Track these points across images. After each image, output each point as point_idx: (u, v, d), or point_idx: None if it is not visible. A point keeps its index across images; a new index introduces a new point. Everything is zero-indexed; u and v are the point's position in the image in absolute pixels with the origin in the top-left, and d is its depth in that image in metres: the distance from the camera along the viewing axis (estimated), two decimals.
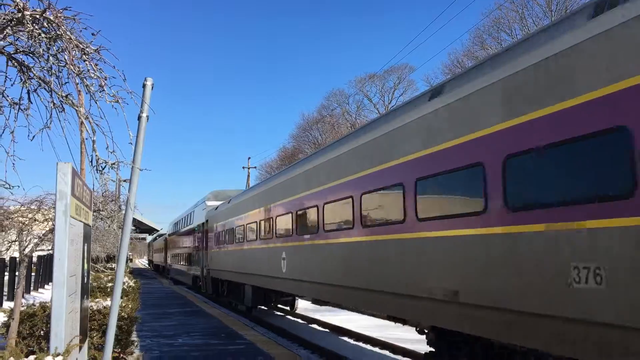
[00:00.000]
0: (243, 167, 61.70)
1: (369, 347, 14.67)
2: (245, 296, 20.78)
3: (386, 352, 13.77)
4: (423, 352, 8.61)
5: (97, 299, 11.27)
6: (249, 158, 73.39)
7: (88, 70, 4.11)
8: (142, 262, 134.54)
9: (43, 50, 4.08)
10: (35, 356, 5.06)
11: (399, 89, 64.80)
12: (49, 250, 12.52)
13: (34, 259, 22.97)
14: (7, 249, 10.29)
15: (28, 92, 4.54)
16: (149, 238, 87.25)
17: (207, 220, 28.12)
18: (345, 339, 16.15)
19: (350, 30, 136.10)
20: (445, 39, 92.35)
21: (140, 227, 65.95)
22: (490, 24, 44.68)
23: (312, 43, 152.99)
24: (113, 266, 28.13)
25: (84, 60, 4.08)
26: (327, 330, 18.07)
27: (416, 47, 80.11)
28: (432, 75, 65.11)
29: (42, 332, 9.39)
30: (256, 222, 17.95)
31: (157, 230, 74.32)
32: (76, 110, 4.33)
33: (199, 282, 30.49)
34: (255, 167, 64.66)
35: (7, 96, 4.57)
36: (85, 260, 7.58)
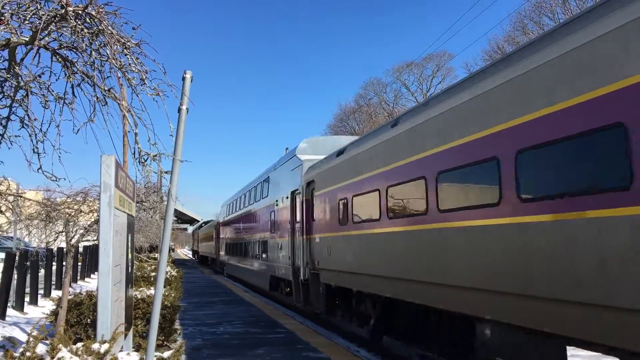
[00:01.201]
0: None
1: None
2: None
3: None
4: None
5: (140, 288, 11.55)
6: (287, 149, 73.24)
7: (129, 64, 4.19)
8: (183, 252, 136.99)
9: (86, 45, 4.17)
10: (82, 343, 5.21)
11: (437, 76, 63.94)
12: (94, 240, 12.85)
13: (80, 249, 23.61)
14: (55, 240, 10.58)
15: (72, 87, 4.66)
16: (191, 228, 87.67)
17: (307, 185, 16.24)
18: None
19: (388, 18, 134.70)
20: (485, 24, 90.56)
21: (182, 218, 66.68)
22: (531, 8, 43.60)
23: (350, 32, 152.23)
24: (156, 256, 28.73)
25: (125, 55, 4.16)
26: None
27: (455, 34, 78.87)
28: (471, 62, 64.13)
29: (89, 320, 9.68)
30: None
31: (198, 221, 73.58)
32: (118, 104, 4.42)
33: (284, 288, 19.64)
34: None
35: (52, 91, 4.70)
36: (129, 250, 7.77)
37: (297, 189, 17.29)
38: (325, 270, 14.34)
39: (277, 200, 20.22)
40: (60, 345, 5.09)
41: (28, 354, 4.96)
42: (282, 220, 19.36)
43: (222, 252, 40.92)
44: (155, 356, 4.97)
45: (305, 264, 15.86)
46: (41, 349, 5.13)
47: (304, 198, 16.25)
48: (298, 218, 16.79)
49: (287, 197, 18.18)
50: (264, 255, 23.06)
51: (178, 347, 5.48)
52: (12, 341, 5.73)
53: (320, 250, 14.59)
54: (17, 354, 4.97)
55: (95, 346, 5.19)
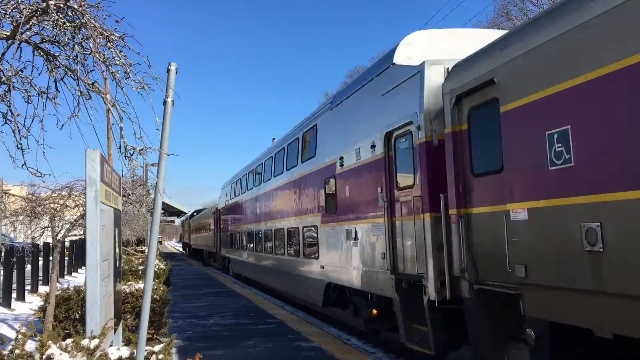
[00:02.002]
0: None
1: None
2: None
3: None
4: None
5: (129, 282, 11.51)
6: (273, 139, 72.22)
7: (113, 57, 4.13)
8: (171, 245, 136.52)
9: (68, 39, 4.10)
10: (72, 339, 5.18)
11: None
12: (80, 235, 12.77)
13: (67, 244, 23.45)
14: (41, 235, 10.52)
15: (55, 81, 4.58)
16: (178, 221, 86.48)
17: (455, 103, 7.96)
18: None
19: (372, 6, 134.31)
20: (470, 10, 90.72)
21: (169, 211, 66.12)
22: None
23: (334, 21, 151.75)
24: (143, 249, 28.61)
25: (109, 48, 4.10)
26: None
27: (439, 21, 78.81)
28: None
29: (77, 315, 9.65)
30: None
31: (185, 213, 72.79)
32: (103, 98, 4.36)
33: (363, 308, 11.85)
34: None
35: (35, 85, 4.62)
36: (117, 245, 7.72)
37: (403, 126, 9.43)
38: (535, 289, 6.23)
39: (340, 159, 12.37)
40: (50, 342, 5.05)
41: (17, 351, 4.92)
42: (357, 190, 11.56)
43: (226, 246, 31.92)
44: (146, 350, 4.95)
45: (463, 270, 7.61)
46: (30, 346, 5.09)
47: (435, 135, 8.62)
48: (416, 180, 9.02)
49: (370, 147, 10.60)
50: (308, 251, 14.93)
51: (169, 341, 5.47)
52: (0, 339, 5.68)
53: (528, 241, 6.32)
54: (5, 352, 4.93)
55: (85, 342, 5.16)
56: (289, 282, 17.26)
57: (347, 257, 11.85)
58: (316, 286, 13.95)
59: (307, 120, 16.25)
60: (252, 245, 23.61)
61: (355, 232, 11.36)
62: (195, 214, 63.44)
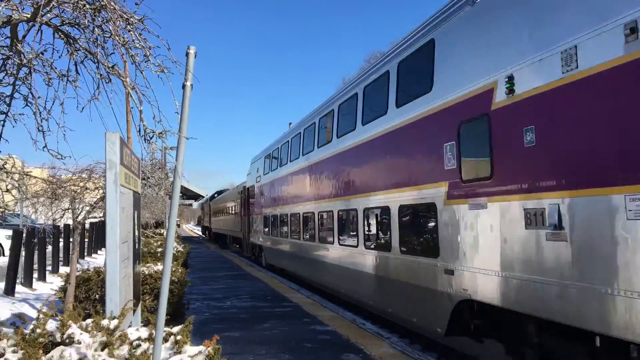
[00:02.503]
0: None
1: None
2: None
3: None
4: None
5: (148, 264, 11.65)
6: (290, 124, 71.05)
7: (133, 40, 4.14)
8: (189, 228, 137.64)
9: (88, 21, 4.12)
10: (92, 320, 5.26)
11: None
12: (100, 217, 12.91)
13: (87, 226, 23.75)
14: (61, 217, 10.64)
15: (75, 64, 4.61)
16: (196, 204, 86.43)
17: None
18: None
19: None
20: None
21: (187, 194, 66.54)
22: None
23: (352, 5, 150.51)
24: (162, 232, 28.91)
25: (129, 31, 4.11)
26: None
27: None
28: None
29: (97, 295, 9.78)
30: None
31: (203, 197, 72.71)
32: (122, 81, 4.38)
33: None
34: None
35: (56, 68, 4.66)
36: (136, 227, 7.80)
37: None
38: None
39: (508, 81, 7.20)
40: (70, 321, 5.14)
41: (39, 330, 5.01)
42: (563, 132, 6.22)
43: (258, 231, 25.99)
44: (165, 331, 5.01)
45: None
46: (51, 325, 5.18)
47: None
48: None
49: (624, 34, 5.39)
50: (414, 245, 10.08)
51: (187, 322, 5.53)
52: (22, 318, 5.80)
53: None
54: (27, 331, 5.02)
55: (105, 322, 5.25)
56: (369, 288, 11.91)
57: (526, 261, 6.74)
58: (436, 303, 8.97)
59: (405, 42, 10.69)
60: (300, 232, 18.08)
61: (559, 214, 6.17)
62: (216, 195, 59.48)
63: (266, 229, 24.04)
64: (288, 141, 20.48)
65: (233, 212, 38.74)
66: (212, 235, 57.34)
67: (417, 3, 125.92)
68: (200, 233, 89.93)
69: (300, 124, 19.37)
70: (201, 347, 5.01)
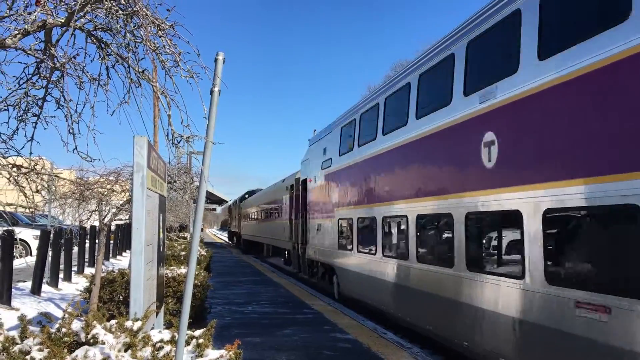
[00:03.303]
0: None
1: None
2: None
3: None
4: None
5: (171, 267, 11.74)
6: (315, 131, 69.91)
7: (163, 46, 4.21)
8: (212, 232, 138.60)
9: (120, 27, 4.20)
10: (116, 321, 5.32)
11: None
12: (126, 219, 13.08)
13: (113, 228, 24.07)
14: (88, 219, 10.80)
15: (107, 68, 4.70)
16: (219, 209, 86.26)
17: None
18: None
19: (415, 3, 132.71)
20: None
21: (210, 199, 66.93)
22: None
23: (377, 15, 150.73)
24: (185, 235, 29.14)
25: (160, 36, 4.18)
26: None
27: None
28: None
29: (120, 297, 9.89)
30: None
31: (226, 201, 72.47)
32: (152, 86, 4.45)
33: None
34: None
35: (87, 72, 4.75)
36: (161, 230, 7.88)
37: None
38: None
39: None
40: (95, 322, 5.20)
41: (64, 330, 5.08)
42: None
43: (323, 244, 18.05)
44: (187, 334, 5.05)
45: None
46: (76, 325, 5.25)
47: None
48: None
49: None
50: None
51: (209, 326, 5.56)
52: (47, 317, 5.87)
53: None
54: (53, 330, 5.10)
55: (129, 324, 5.30)
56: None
57: None
58: None
59: None
60: (406, 245, 11.19)
61: None
62: (247, 195, 49.79)
63: (344, 240, 15.77)
64: (398, 93, 12.26)
65: (277, 214, 29.88)
66: (243, 243, 47.87)
67: (443, 9, 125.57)
68: (225, 239, 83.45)
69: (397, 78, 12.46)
70: (222, 351, 5.03)
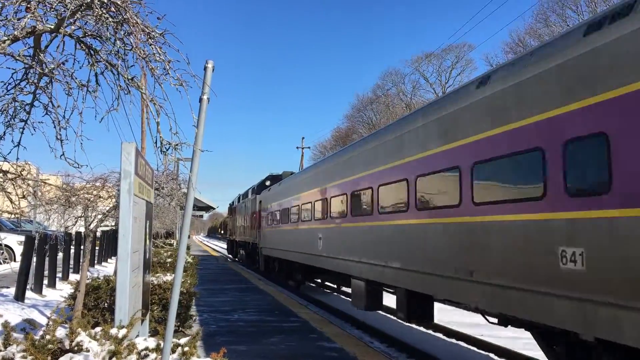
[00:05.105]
0: (297, 147, 61.62)
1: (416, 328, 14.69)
2: None
3: (440, 334, 13.74)
4: None
5: (157, 274, 11.68)
6: (303, 138, 64.44)
7: (153, 53, 4.22)
8: (199, 239, 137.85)
9: (110, 34, 4.20)
10: (101, 328, 5.29)
11: (457, 68, 63.31)
12: (112, 226, 13.00)
13: (98, 234, 23.90)
14: (74, 224, 10.74)
15: (95, 75, 4.70)
16: (206, 215, 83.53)
17: None
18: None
19: (407, 8, 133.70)
20: (507, 15, 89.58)
21: (198, 205, 66.37)
22: (555, 0, 42.94)
23: (367, 23, 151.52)
24: (172, 242, 28.99)
25: (150, 44, 4.19)
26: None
27: (476, 25, 77.94)
28: (492, 54, 63.60)
29: (106, 304, 9.82)
30: None
31: (214, 208, 71.35)
32: (141, 93, 4.45)
33: None
34: (309, 147, 64.36)
35: (76, 78, 4.74)
36: (147, 237, 7.85)
37: None
38: None
39: None
40: (79, 329, 5.17)
41: (48, 337, 5.05)
42: None
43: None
44: (172, 342, 5.03)
45: None
46: (60, 332, 5.21)
47: None
48: None
49: None
50: None
51: (194, 334, 5.55)
52: (32, 324, 5.83)
53: None
54: (37, 337, 5.06)
55: (114, 331, 5.27)
56: None
57: None
58: None
59: None
60: None
61: None
62: (268, 183, 30.34)
63: None
64: None
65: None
66: (263, 263, 27.79)
67: (433, 19, 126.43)
68: (215, 247, 73.82)
69: None
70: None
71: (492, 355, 11.63)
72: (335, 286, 22.44)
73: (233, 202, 47.23)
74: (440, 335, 13.85)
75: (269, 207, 26.49)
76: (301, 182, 20.34)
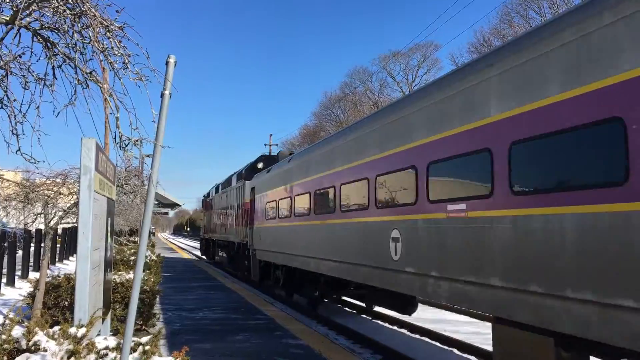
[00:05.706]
0: (265, 144, 61.36)
1: (388, 325, 14.80)
2: None
3: (404, 331, 13.88)
4: None
5: (120, 272, 11.49)
6: (271, 135, 65.02)
7: (112, 47, 4.14)
8: (164, 237, 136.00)
9: (68, 26, 4.11)
10: (59, 327, 5.18)
11: (423, 67, 63.89)
12: (73, 223, 12.75)
13: (59, 232, 23.40)
14: (33, 221, 10.50)
15: (53, 68, 4.59)
16: (172, 213, 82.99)
17: None
18: (365, 316, 16.27)
19: (374, 7, 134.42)
20: (472, 16, 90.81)
21: (163, 202, 65.44)
22: (518, 2, 43.72)
23: (338, 21, 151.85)
24: (136, 239, 28.54)
25: (108, 38, 4.11)
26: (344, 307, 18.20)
27: (442, 25, 78.98)
28: (457, 54, 64.45)
29: (66, 303, 9.63)
30: None
31: (180, 205, 70.83)
32: (100, 87, 4.37)
33: None
34: (277, 145, 64.15)
35: (33, 72, 4.63)
36: (109, 234, 7.72)
37: None
38: None
39: None
40: (37, 328, 5.05)
41: (3, 336, 4.92)
42: None
43: None
44: (133, 341, 4.96)
45: None
46: (17, 331, 5.09)
47: None
48: None
49: None
50: None
51: (156, 332, 5.48)
52: None
53: None
54: None
55: (73, 330, 5.16)
56: None
57: None
58: None
59: None
60: None
61: None
62: (260, 165, 24.73)
63: None
64: None
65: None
66: (260, 270, 20.89)
67: (400, 18, 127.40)
68: (182, 245, 70.01)
69: None
70: (170, 358, 4.96)
71: (455, 350, 11.80)
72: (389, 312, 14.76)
73: (209, 194, 38.82)
74: (404, 331, 13.99)
75: (268, 196, 19.22)
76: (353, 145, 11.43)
